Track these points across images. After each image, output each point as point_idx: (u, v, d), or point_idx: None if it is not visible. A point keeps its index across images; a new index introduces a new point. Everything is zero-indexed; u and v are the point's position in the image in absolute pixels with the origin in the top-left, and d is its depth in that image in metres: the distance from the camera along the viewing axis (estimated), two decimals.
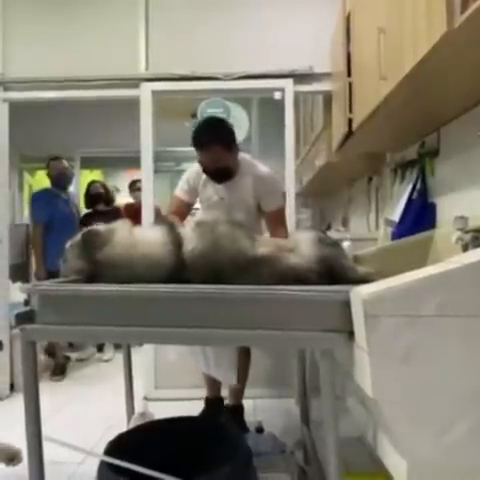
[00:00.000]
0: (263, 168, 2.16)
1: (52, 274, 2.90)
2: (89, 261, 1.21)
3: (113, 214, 3.91)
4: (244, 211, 2.02)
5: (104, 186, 4.16)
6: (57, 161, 3.63)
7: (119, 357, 3.57)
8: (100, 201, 3.99)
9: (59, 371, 3.33)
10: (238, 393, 2.30)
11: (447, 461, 0.76)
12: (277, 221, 2.15)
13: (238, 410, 2.29)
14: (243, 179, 2.10)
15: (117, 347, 3.91)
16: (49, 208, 3.47)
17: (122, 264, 1.18)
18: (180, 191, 2.22)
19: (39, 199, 3.58)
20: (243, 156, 2.16)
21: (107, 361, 3.73)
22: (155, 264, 1.19)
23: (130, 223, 1.34)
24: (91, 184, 4.18)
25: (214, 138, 1.98)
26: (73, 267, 1.24)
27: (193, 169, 2.20)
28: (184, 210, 2.19)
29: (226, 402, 2.36)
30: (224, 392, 2.37)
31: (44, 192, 3.70)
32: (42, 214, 3.46)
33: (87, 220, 3.79)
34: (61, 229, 3.26)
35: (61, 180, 3.60)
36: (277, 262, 1.15)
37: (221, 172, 2.05)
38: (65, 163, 3.66)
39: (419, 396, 0.76)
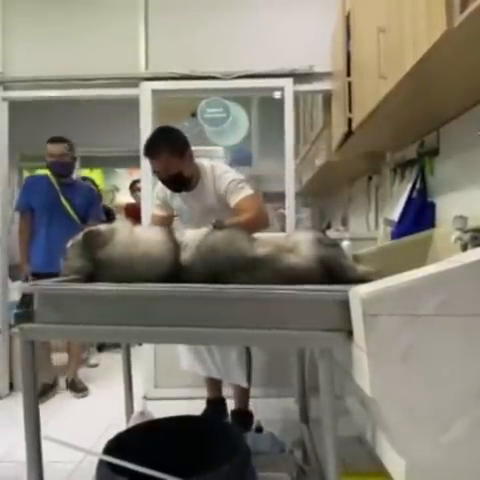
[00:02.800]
0: (220, 168, 2.10)
1: (37, 276, 2.62)
2: (90, 260, 1.22)
3: (106, 214, 3.81)
4: (214, 216, 1.87)
5: (94, 184, 3.99)
6: (55, 145, 2.97)
7: (107, 360, 3.59)
8: None
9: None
10: (243, 397, 2.25)
11: (445, 460, 0.76)
12: (240, 211, 1.98)
13: (247, 417, 2.22)
14: (206, 185, 2.07)
15: (100, 350, 3.89)
16: (29, 195, 3.00)
17: (122, 263, 1.19)
18: (155, 208, 2.24)
19: (24, 185, 3.14)
20: (202, 162, 2.12)
21: (94, 366, 3.60)
22: (155, 262, 1.20)
23: (131, 223, 1.36)
24: None
25: (161, 145, 1.95)
26: (74, 266, 1.25)
27: (160, 183, 2.18)
28: (165, 224, 2.13)
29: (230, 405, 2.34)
30: (225, 392, 2.37)
31: (32, 178, 3.32)
32: (20, 201, 3.03)
33: None
34: (48, 222, 2.93)
35: (57, 168, 2.98)
36: (276, 262, 1.15)
37: (175, 180, 2.01)
38: (66, 147, 2.99)
39: (418, 395, 0.76)
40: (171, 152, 1.95)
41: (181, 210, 2.18)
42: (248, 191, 2.02)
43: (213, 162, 2.15)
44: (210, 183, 2.06)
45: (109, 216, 3.81)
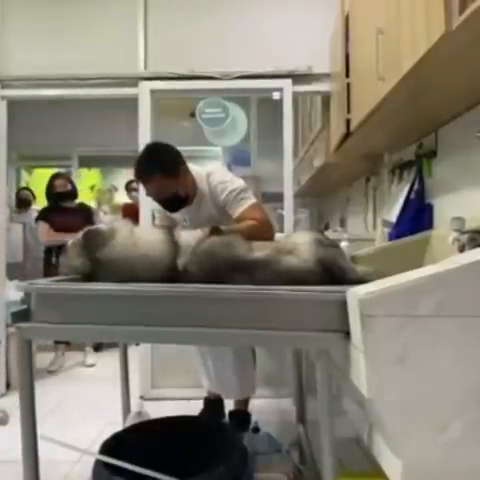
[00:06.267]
0: (216, 178, 1.94)
1: None
2: (89, 260, 1.22)
3: (84, 213, 3.61)
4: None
5: (70, 181, 3.76)
6: None
7: (104, 360, 3.58)
8: (67, 198, 3.63)
9: None
10: (243, 400, 2.24)
11: (442, 461, 0.76)
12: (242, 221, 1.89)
13: (244, 417, 2.20)
14: (204, 196, 1.96)
15: (97, 350, 3.84)
16: None
17: (122, 263, 1.19)
18: (158, 220, 2.18)
19: None
20: (198, 171, 1.98)
21: (91, 366, 3.58)
22: (154, 263, 1.20)
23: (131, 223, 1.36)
24: (55, 179, 3.68)
25: (151, 169, 1.82)
26: (73, 265, 1.25)
27: None
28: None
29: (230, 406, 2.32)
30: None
31: None
32: None
33: (51, 216, 3.49)
34: None
35: None
36: (276, 264, 1.15)
37: (171, 201, 1.91)
38: None
39: (415, 396, 0.76)
40: (163, 174, 1.82)
41: (183, 223, 2.09)
42: (250, 201, 1.90)
43: (209, 168, 2.02)
44: (207, 193, 1.95)
45: (90, 217, 3.58)
